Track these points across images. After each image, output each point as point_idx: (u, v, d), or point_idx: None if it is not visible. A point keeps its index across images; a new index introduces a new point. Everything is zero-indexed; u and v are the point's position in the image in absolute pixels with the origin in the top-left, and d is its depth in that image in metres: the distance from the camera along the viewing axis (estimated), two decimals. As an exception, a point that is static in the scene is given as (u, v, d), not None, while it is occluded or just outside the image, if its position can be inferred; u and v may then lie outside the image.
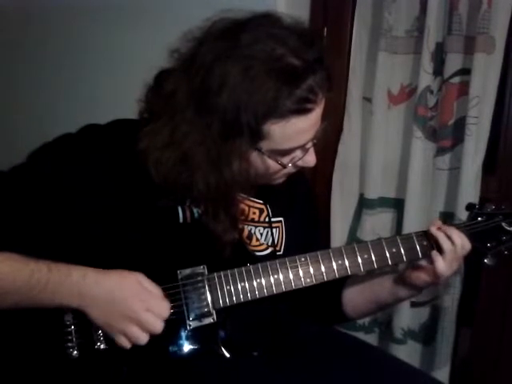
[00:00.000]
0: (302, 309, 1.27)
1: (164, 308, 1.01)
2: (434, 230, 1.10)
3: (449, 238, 1.09)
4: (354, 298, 1.23)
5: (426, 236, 1.11)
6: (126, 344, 0.99)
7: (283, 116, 0.94)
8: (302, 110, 0.95)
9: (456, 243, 1.08)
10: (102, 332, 1.02)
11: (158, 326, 1.00)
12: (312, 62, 0.94)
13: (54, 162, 1.03)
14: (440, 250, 1.09)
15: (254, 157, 1.00)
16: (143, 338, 0.99)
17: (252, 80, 0.91)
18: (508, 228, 1.12)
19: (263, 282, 1.05)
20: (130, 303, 0.98)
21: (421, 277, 1.12)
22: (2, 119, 2.16)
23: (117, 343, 1.00)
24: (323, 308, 1.26)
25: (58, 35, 2.01)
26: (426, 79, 1.61)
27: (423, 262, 1.10)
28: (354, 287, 1.22)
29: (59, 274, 0.97)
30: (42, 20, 2.01)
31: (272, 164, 1.01)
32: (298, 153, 1.03)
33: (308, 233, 1.25)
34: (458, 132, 1.64)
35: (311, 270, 1.07)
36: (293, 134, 0.98)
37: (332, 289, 1.21)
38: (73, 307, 0.98)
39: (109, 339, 1.02)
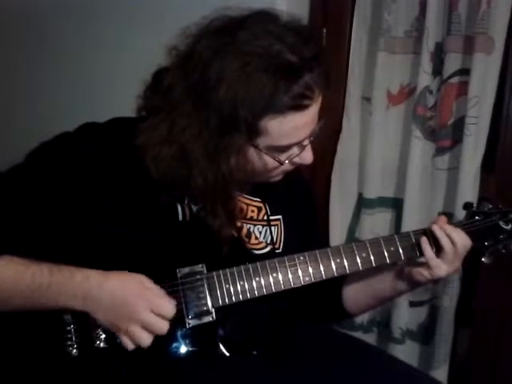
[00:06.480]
0: (301, 306, 1.27)
1: (169, 308, 1.00)
2: (435, 228, 1.10)
3: (448, 236, 1.09)
4: (354, 294, 1.22)
5: (425, 234, 1.11)
6: (129, 345, 0.99)
7: (280, 112, 0.94)
8: (298, 106, 0.95)
9: (456, 242, 1.08)
10: (107, 331, 1.01)
11: (163, 327, 0.99)
12: (309, 59, 0.95)
13: (53, 162, 1.03)
14: (440, 249, 1.09)
15: (252, 153, 1.00)
16: (146, 339, 0.98)
17: (249, 76, 0.91)
18: (505, 227, 1.12)
19: (262, 281, 1.06)
20: (134, 304, 0.98)
21: (422, 272, 1.11)
22: (1, 119, 2.16)
23: (121, 344, 0.99)
24: (323, 305, 1.26)
25: (58, 35, 2.02)
26: (425, 79, 1.61)
27: (423, 259, 1.11)
28: (354, 283, 1.22)
29: (61, 277, 0.97)
30: (42, 20, 2.01)
31: (269, 160, 1.02)
32: (295, 150, 1.03)
33: (307, 231, 1.26)
34: (457, 132, 1.64)
35: (310, 268, 1.07)
36: (290, 131, 0.98)
37: (332, 285, 1.20)
38: (77, 309, 0.98)
39: (109, 338, 1.02)
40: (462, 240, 1.09)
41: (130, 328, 0.98)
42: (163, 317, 0.99)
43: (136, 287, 0.99)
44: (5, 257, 0.97)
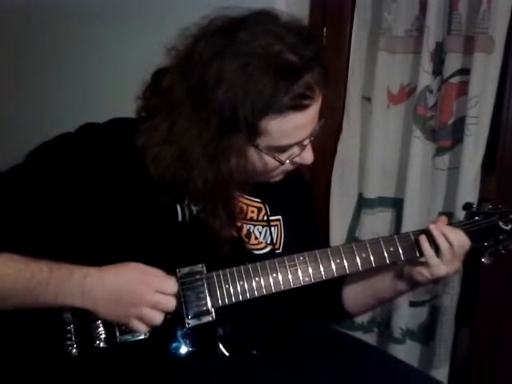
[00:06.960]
0: (301, 306, 1.27)
1: (171, 284, 1.02)
2: (433, 228, 1.10)
3: (445, 236, 1.08)
4: (354, 294, 1.22)
5: (425, 234, 1.11)
6: (143, 328, 1.00)
7: (280, 112, 0.94)
8: (299, 106, 0.95)
9: (453, 242, 1.08)
10: (107, 331, 1.02)
11: (170, 304, 1.01)
12: (309, 59, 0.94)
13: (53, 162, 1.03)
14: (437, 249, 1.09)
15: (252, 153, 1.00)
16: (158, 317, 1.00)
17: (249, 76, 0.91)
18: (505, 227, 1.12)
19: (262, 281, 1.06)
20: (138, 289, 0.99)
21: (422, 272, 1.11)
22: (1, 119, 2.16)
23: (134, 330, 1.01)
24: (323, 305, 1.25)
25: (58, 35, 2.02)
26: (426, 79, 1.61)
27: (423, 259, 1.10)
28: (354, 284, 1.22)
29: (60, 275, 0.97)
30: (42, 20, 2.02)
31: (269, 161, 1.02)
32: (296, 150, 1.03)
33: (307, 231, 1.25)
34: (457, 132, 1.64)
35: (310, 269, 1.07)
36: (290, 131, 0.98)
37: (332, 286, 1.20)
38: (76, 307, 0.99)
39: (108, 338, 1.02)
40: (460, 240, 1.09)
41: (139, 312, 0.99)
42: (168, 294, 1.01)
43: (135, 273, 1.01)
44: (4, 255, 0.97)
